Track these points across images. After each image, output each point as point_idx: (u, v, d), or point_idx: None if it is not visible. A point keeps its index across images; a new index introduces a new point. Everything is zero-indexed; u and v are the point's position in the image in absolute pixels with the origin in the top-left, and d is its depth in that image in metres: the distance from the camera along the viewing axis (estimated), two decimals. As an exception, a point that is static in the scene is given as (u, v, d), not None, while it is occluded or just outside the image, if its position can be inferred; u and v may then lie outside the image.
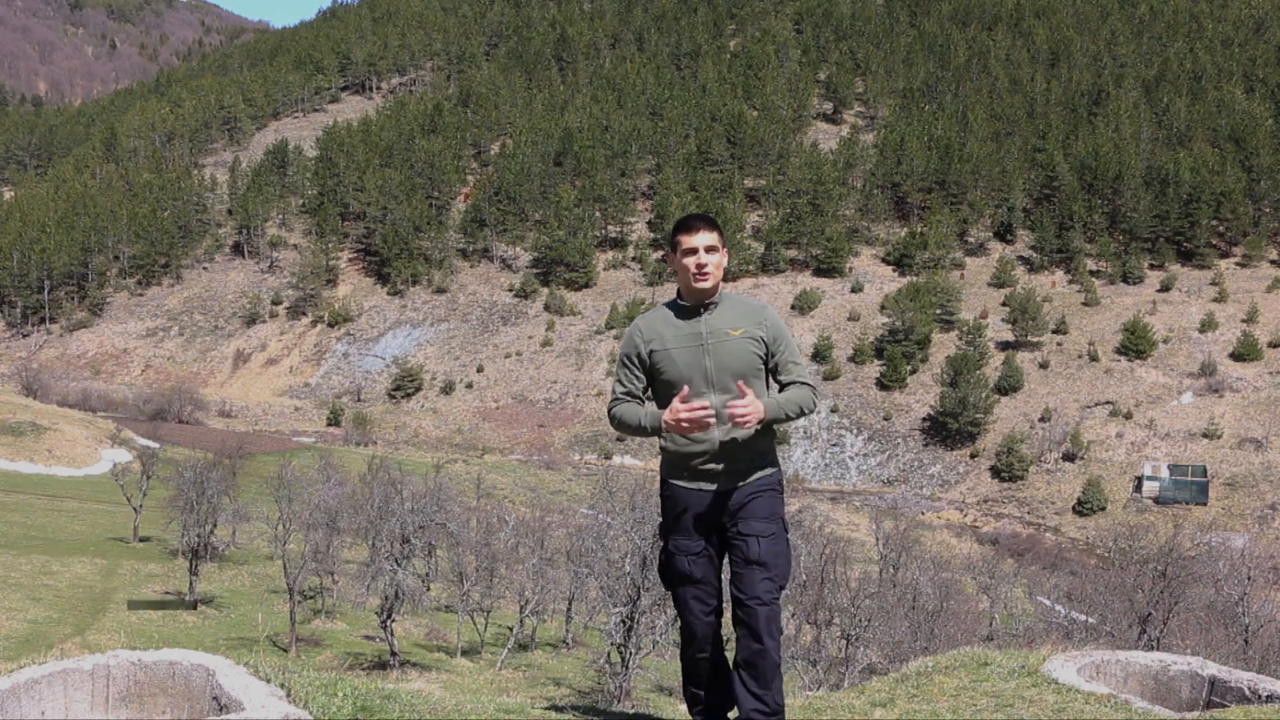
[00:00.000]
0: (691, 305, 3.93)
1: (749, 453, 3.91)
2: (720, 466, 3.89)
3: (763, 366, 3.94)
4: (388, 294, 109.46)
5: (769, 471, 3.99)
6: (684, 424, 3.70)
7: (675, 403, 3.73)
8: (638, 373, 3.96)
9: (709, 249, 3.88)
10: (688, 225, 3.94)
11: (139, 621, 28.77)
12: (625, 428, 3.93)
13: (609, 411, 4.00)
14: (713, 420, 3.74)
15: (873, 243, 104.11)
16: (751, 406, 3.69)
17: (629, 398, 3.97)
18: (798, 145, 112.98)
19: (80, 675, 3.88)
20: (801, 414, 3.90)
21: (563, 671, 27.10)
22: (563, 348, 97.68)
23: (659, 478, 4.10)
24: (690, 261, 3.88)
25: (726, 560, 4.04)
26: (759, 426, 3.83)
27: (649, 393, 4.05)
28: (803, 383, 3.95)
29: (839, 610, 23.74)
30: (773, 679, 3.85)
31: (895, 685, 5.88)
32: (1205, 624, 24.46)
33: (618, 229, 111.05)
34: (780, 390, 4.01)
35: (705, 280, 3.87)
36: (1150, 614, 22.64)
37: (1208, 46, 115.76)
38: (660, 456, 4.06)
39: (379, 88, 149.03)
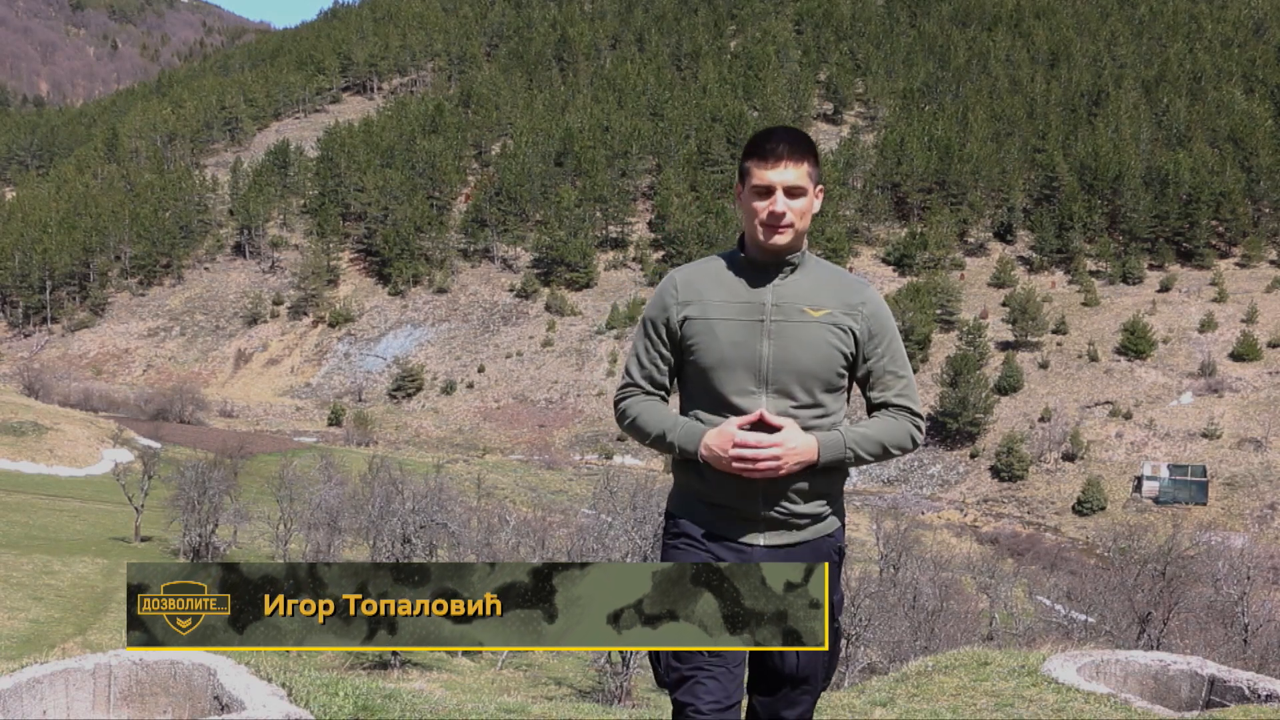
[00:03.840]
0: (759, 261, 2.65)
1: (807, 495, 2.61)
2: (760, 510, 2.59)
3: (845, 371, 2.64)
4: (389, 294, 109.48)
5: (829, 528, 2.68)
6: (746, 465, 2.50)
7: (732, 427, 2.52)
8: (663, 349, 2.68)
9: (793, 191, 2.58)
10: (763, 150, 2.59)
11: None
12: (639, 434, 2.67)
13: (616, 404, 2.74)
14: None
15: (873, 243, 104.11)
16: (783, 448, 2.49)
17: (649, 386, 2.70)
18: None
19: (82, 674, 3.90)
20: (887, 456, 2.62)
21: (563, 671, 27.10)
22: (563, 348, 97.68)
23: (664, 512, 2.82)
24: (762, 206, 2.59)
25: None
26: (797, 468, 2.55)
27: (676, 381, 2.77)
28: (903, 408, 2.65)
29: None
30: None
31: (895, 685, 5.89)
32: (1205, 624, 24.49)
33: (618, 229, 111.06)
34: (869, 413, 2.68)
35: (782, 236, 2.59)
36: (1150, 614, 22.67)
37: (1207, 47, 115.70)
38: (673, 482, 2.78)
39: (380, 88, 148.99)
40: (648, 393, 2.71)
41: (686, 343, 2.64)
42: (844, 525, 2.76)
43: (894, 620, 26.29)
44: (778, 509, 2.60)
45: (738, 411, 2.57)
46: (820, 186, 2.65)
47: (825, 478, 2.63)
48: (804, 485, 2.60)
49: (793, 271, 2.64)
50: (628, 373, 2.74)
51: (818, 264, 2.69)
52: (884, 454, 2.62)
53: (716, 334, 2.60)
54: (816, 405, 2.61)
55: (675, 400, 2.78)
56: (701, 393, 2.64)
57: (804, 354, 2.58)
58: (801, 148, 2.59)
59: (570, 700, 21.33)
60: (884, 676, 6.27)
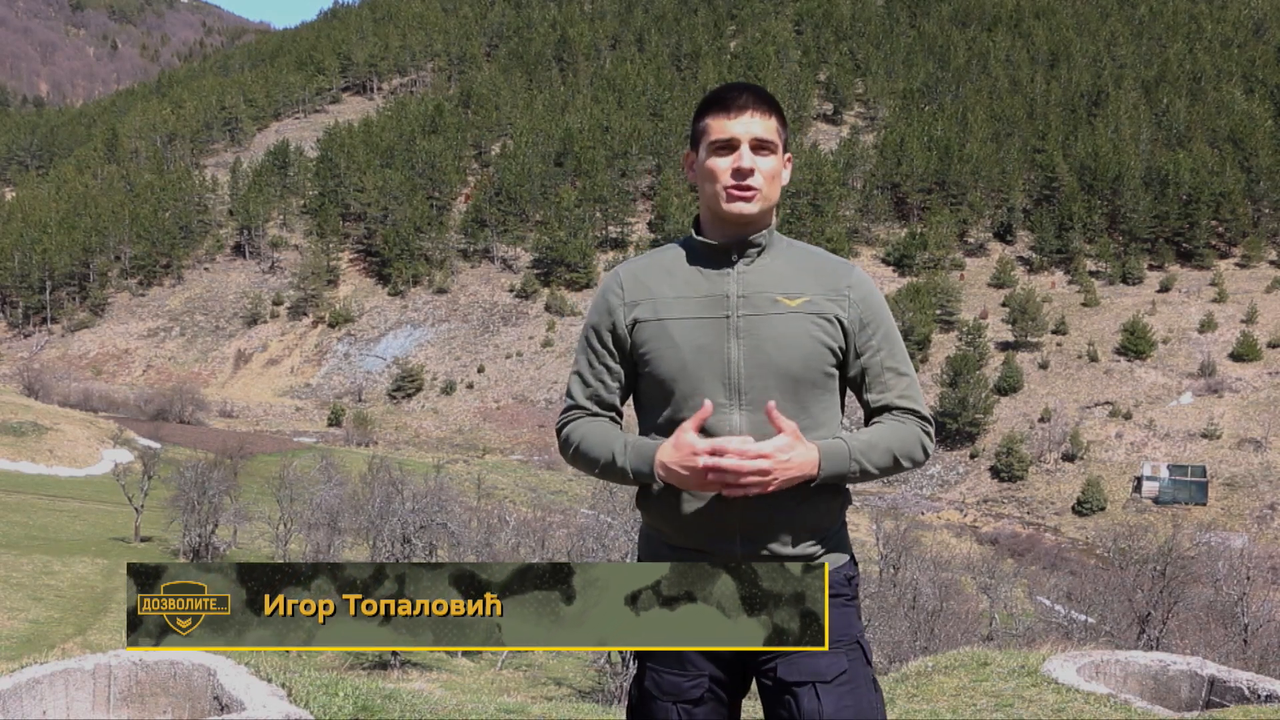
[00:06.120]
0: (718, 245, 2.15)
1: (797, 526, 2.10)
2: (737, 552, 2.09)
3: (835, 371, 2.17)
4: (388, 294, 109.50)
5: (833, 561, 2.16)
6: (710, 478, 1.98)
7: (686, 434, 2.01)
8: (611, 361, 2.20)
9: (761, 146, 2.12)
10: (725, 100, 2.13)
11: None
12: (586, 463, 2.16)
13: (559, 432, 2.23)
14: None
15: (873, 243, 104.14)
16: (773, 460, 1.97)
17: (596, 407, 2.21)
18: (798, 146, 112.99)
19: (82, 675, 3.90)
20: (897, 468, 2.13)
21: (563, 671, 27.10)
22: (563, 348, 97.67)
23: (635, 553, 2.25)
24: (723, 165, 2.11)
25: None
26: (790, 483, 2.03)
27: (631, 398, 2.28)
28: (909, 411, 2.17)
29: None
30: None
31: (895, 685, 5.90)
32: (1204, 624, 24.49)
33: (618, 229, 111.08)
34: (867, 420, 2.20)
35: (747, 200, 2.10)
36: (1150, 614, 22.68)
37: (1207, 47, 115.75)
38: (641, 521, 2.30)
39: (380, 88, 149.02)
40: (594, 415, 2.21)
41: (639, 351, 2.15)
42: (853, 557, 2.21)
43: (894, 620, 26.30)
44: (758, 548, 2.08)
45: (706, 432, 2.05)
46: (789, 155, 2.19)
47: (821, 505, 2.11)
48: (793, 515, 2.08)
49: (760, 254, 2.16)
50: (569, 393, 2.24)
51: (790, 244, 2.21)
52: (894, 466, 2.12)
53: (674, 338, 2.11)
54: (803, 416, 2.11)
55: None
56: (660, 412, 2.15)
57: (781, 354, 2.09)
58: (769, 101, 2.15)
59: (570, 700, 21.34)
60: (884, 677, 6.27)
